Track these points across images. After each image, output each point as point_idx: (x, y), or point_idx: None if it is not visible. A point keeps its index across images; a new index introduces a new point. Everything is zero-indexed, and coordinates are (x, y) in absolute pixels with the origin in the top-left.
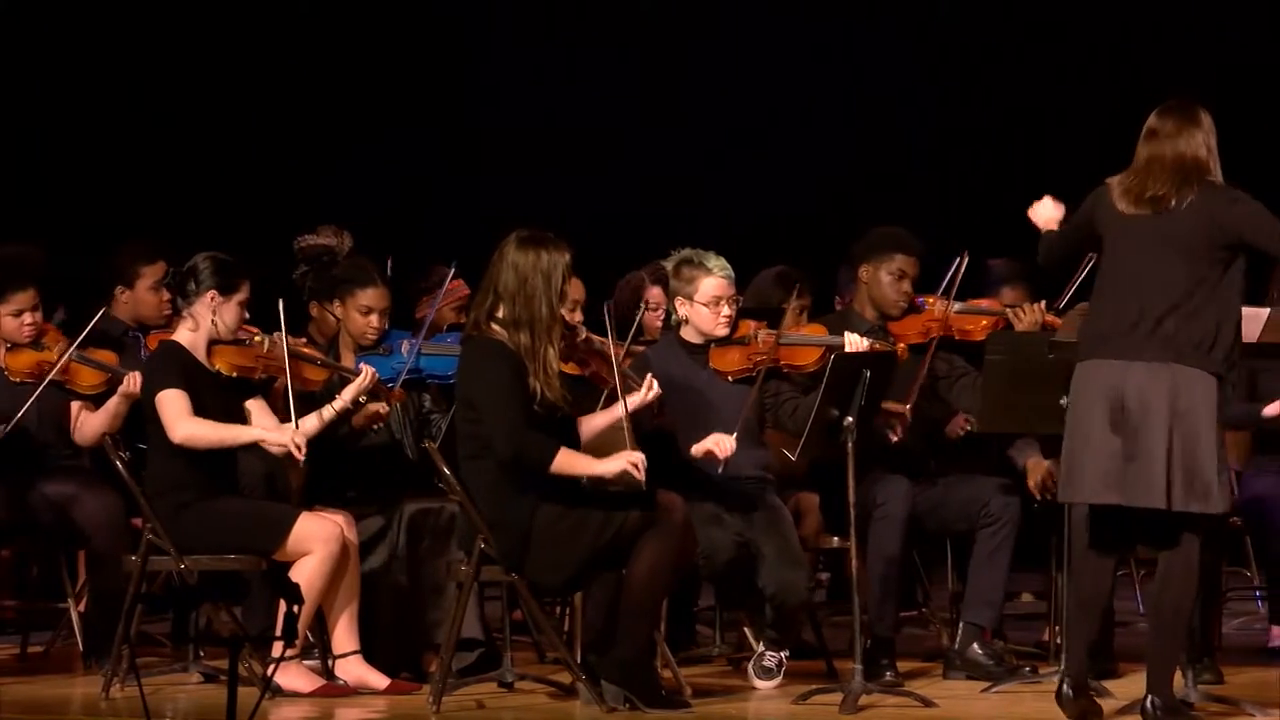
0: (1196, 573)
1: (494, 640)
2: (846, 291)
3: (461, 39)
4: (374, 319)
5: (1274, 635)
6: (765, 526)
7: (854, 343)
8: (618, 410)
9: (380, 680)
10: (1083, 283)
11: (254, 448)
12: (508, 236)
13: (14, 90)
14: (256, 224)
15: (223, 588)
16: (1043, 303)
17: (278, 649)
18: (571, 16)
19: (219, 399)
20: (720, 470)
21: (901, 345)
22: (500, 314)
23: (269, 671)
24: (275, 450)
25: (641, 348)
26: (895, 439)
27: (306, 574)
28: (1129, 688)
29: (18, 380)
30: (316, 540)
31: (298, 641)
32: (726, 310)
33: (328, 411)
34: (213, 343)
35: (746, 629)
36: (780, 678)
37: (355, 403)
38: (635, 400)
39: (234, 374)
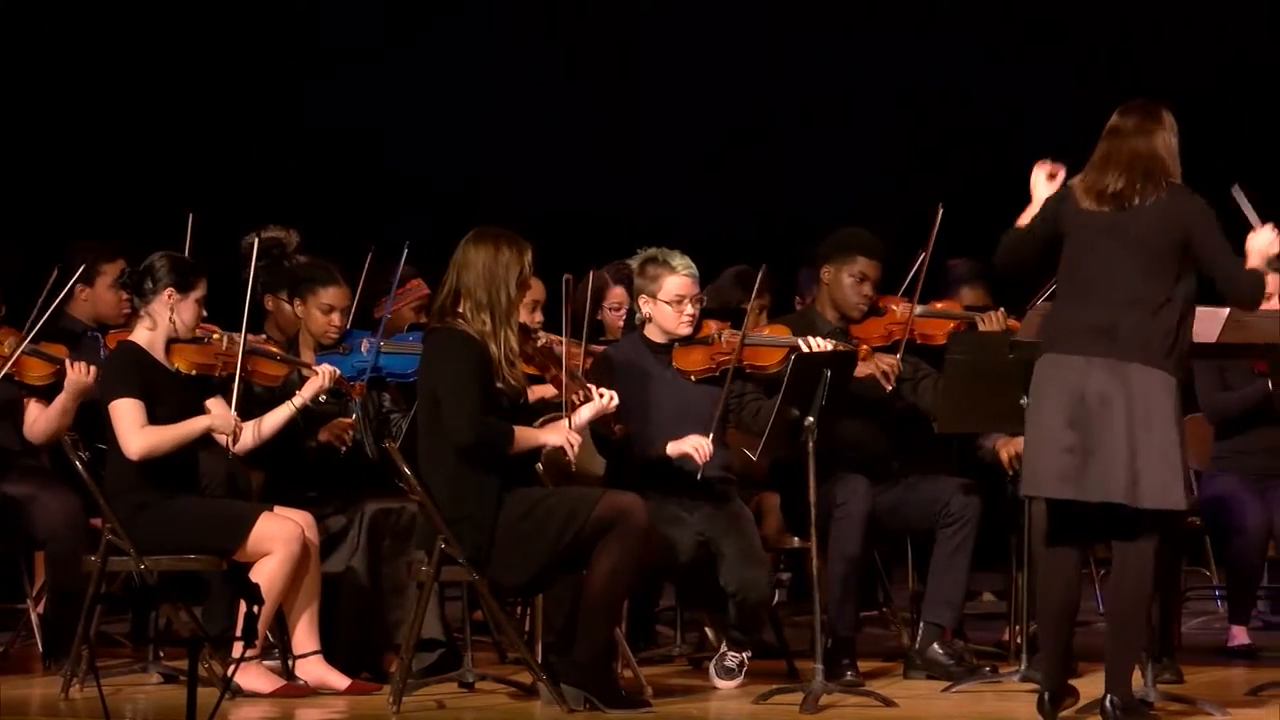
0: (1153, 571)
1: (455, 640)
2: (808, 292)
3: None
4: (335, 318)
5: (1233, 635)
6: (726, 526)
7: (815, 344)
8: (580, 415)
9: (341, 680)
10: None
11: (215, 446)
12: (467, 233)
13: None
14: (214, 222)
15: (182, 588)
16: (1002, 310)
17: (238, 649)
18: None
19: (179, 398)
20: (699, 475)
21: (865, 347)
22: (461, 308)
23: (229, 672)
24: (223, 439)
25: (601, 347)
26: (889, 388)
27: (267, 574)
28: (1088, 687)
29: None
30: (277, 540)
31: (258, 642)
32: (690, 309)
33: (287, 409)
34: (171, 341)
35: (707, 629)
36: (741, 678)
37: (315, 401)
38: (591, 410)
39: (193, 372)
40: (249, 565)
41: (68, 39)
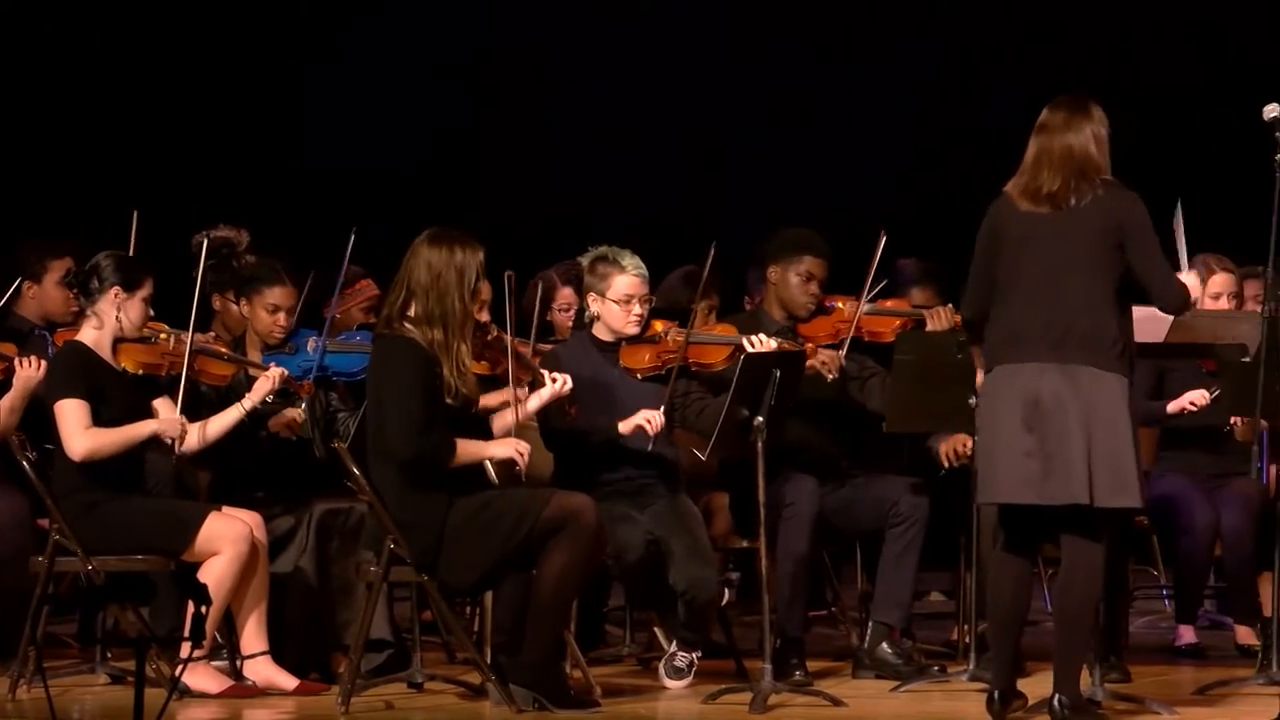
0: (1101, 570)
1: (403, 641)
2: (756, 292)
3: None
4: (281, 317)
5: (1180, 634)
6: (675, 524)
7: (761, 342)
8: (528, 406)
9: (289, 681)
10: None
11: (162, 446)
12: (419, 235)
13: None
14: (163, 220)
15: (130, 588)
16: (950, 306)
17: (185, 650)
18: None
19: (127, 398)
20: (650, 446)
21: (810, 345)
22: (412, 311)
23: (176, 672)
24: (169, 439)
25: (550, 345)
26: (830, 378)
27: (215, 574)
28: (1037, 686)
29: None
30: (225, 540)
31: (205, 642)
32: (638, 309)
33: (236, 411)
34: (118, 341)
35: (656, 629)
36: (690, 677)
37: (264, 402)
38: (547, 394)
39: (140, 371)
40: (197, 565)
41: (8, 40)
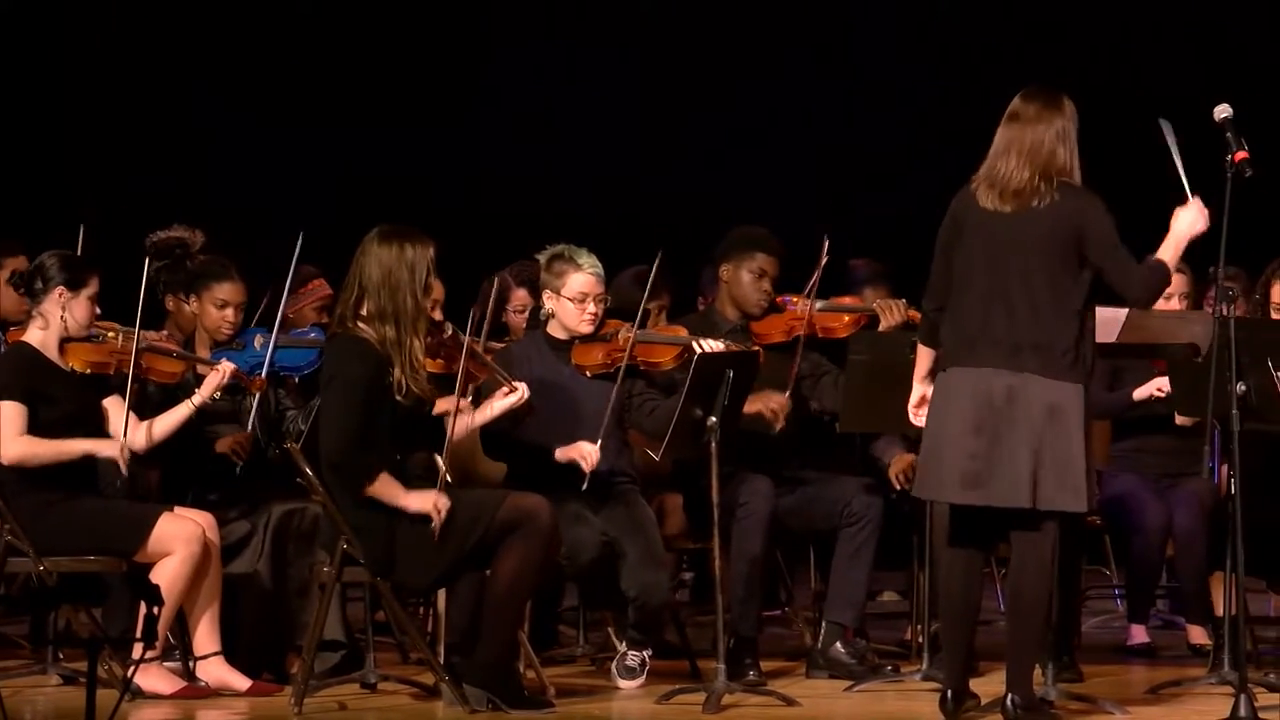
0: (1051, 569)
1: (357, 641)
2: (709, 291)
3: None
4: (229, 313)
5: (1133, 633)
6: (628, 527)
7: (708, 346)
8: (488, 412)
9: (242, 682)
10: None
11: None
12: (369, 232)
13: None
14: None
15: (82, 589)
16: (904, 300)
17: (138, 651)
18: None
19: (74, 398)
20: (584, 485)
21: (762, 403)
22: (365, 310)
23: (128, 673)
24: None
25: (502, 344)
26: (779, 427)
27: (167, 575)
28: (989, 685)
29: None
30: (178, 541)
31: (158, 643)
32: (592, 308)
33: (185, 408)
34: (65, 340)
35: (610, 629)
36: (643, 677)
37: (213, 399)
38: (504, 405)
39: (88, 371)
40: (149, 566)
41: None
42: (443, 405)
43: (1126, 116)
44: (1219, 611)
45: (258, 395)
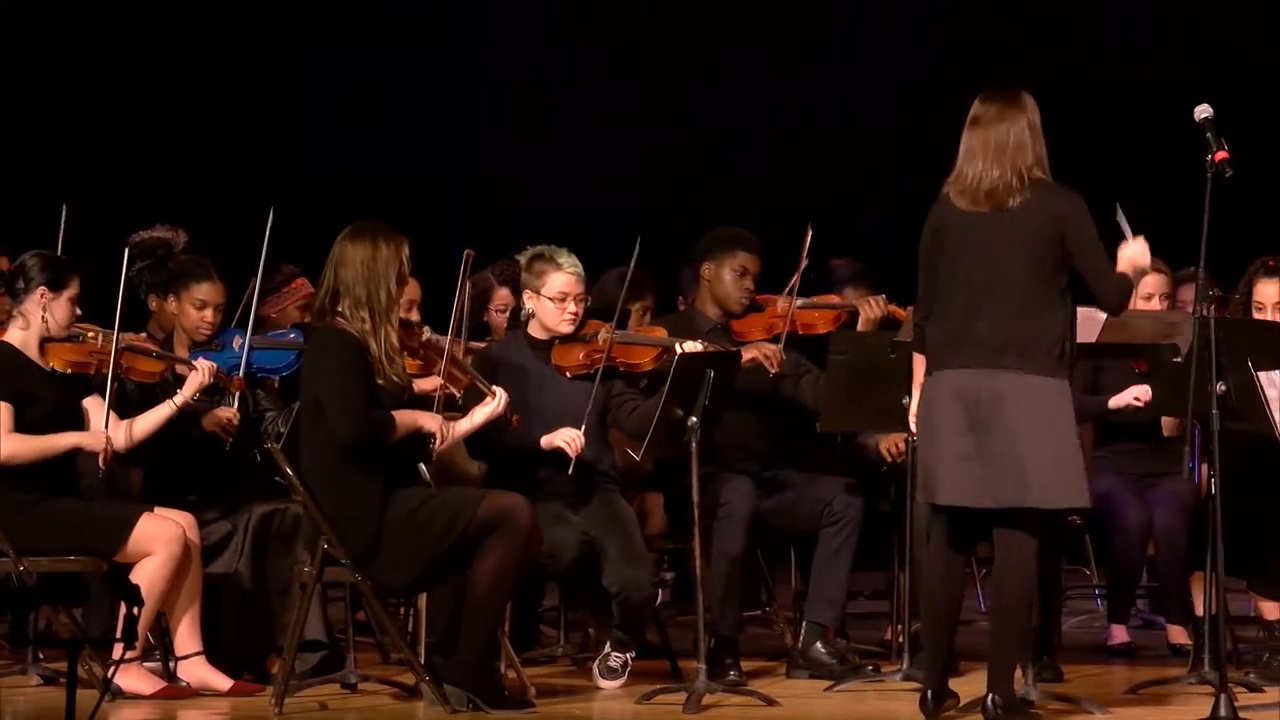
0: (1034, 570)
1: (337, 641)
2: (689, 291)
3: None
4: (208, 313)
5: (1113, 633)
6: (609, 525)
7: (688, 347)
8: (472, 421)
9: (223, 682)
10: None
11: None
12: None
13: None
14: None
15: (62, 589)
16: (884, 296)
17: (118, 651)
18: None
19: (55, 398)
20: (570, 469)
21: (750, 352)
22: (341, 306)
23: (109, 673)
24: (90, 451)
25: (484, 344)
26: (774, 371)
27: (148, 575)
28: (970, 685)
29: None
30: (158, 541)
31: (138, 643)
32: (572, 308)
33: (167, 408)
34: (45, 340)
35: (591, 629)
36: (625, 678)
37: (194, 399)
38: (484, 415)
39: (69, 371)
40: (129, 566)
41: None
42: (422, 385)
43: (1126, 116)
44: (1199, 611)
45: (237, 396)
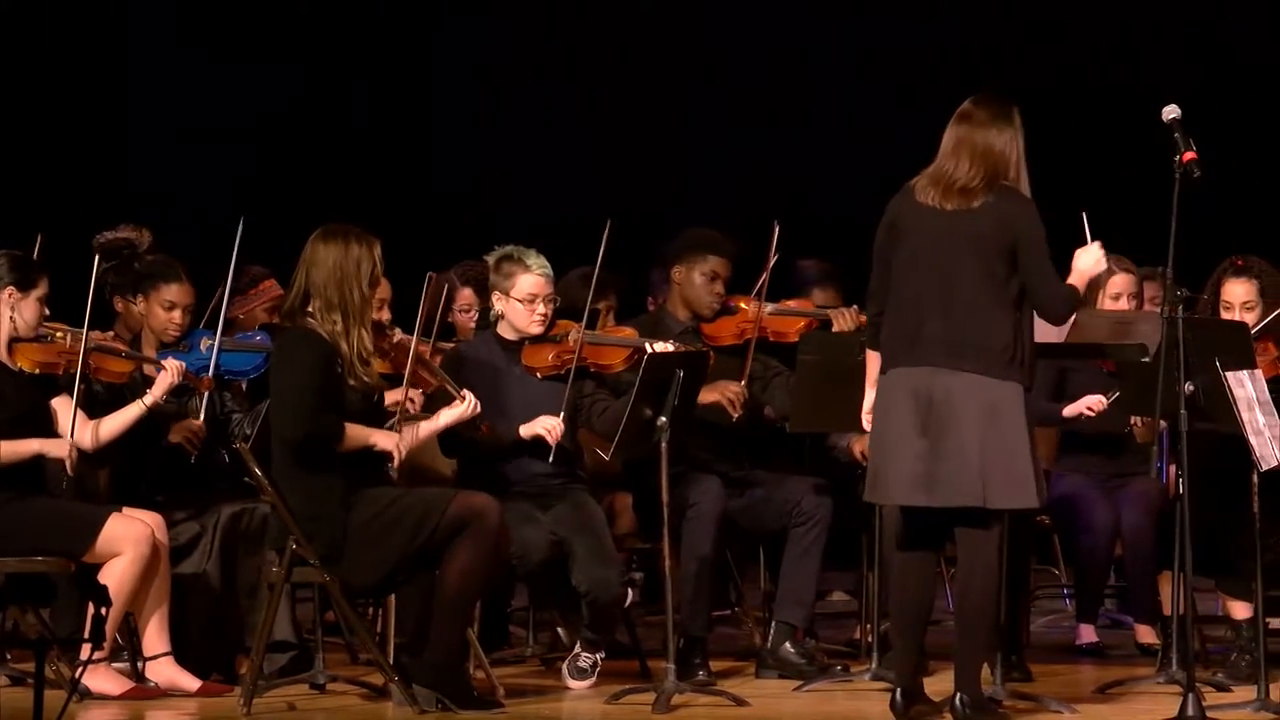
0: (998, 568)
1: (306, 642)
2: (659, 293)
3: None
4: (176, 315)
5: (1081, 633)
6: (577, 525)
7: (659, 348)
8: (437, 423)
9: (191, 682)
10: None
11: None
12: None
13: None
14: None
15: (30, 590)
16: (855, 307)
17: (85, 651)
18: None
19: (23, 398)
20: (550, 457)
21: (722, 392)
22: (312, 307)
23: (76, 674)
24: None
25: (452, 345)
26: (735, 415)
27: (116, 576)
28: (941, 685)
29: None
30: (126, 541)
31: (106, 644)
32: (542, 309)
33: (136, 408)
34: (14, 340)
35: (560, 629)
36: (594, 678)
37: (163, 398)
38: (453, 416)
39: (37, 371)
40: (98, 567)
41: None
42: (392, 396)
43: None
44: (1167, 611)
45: (205, 396)
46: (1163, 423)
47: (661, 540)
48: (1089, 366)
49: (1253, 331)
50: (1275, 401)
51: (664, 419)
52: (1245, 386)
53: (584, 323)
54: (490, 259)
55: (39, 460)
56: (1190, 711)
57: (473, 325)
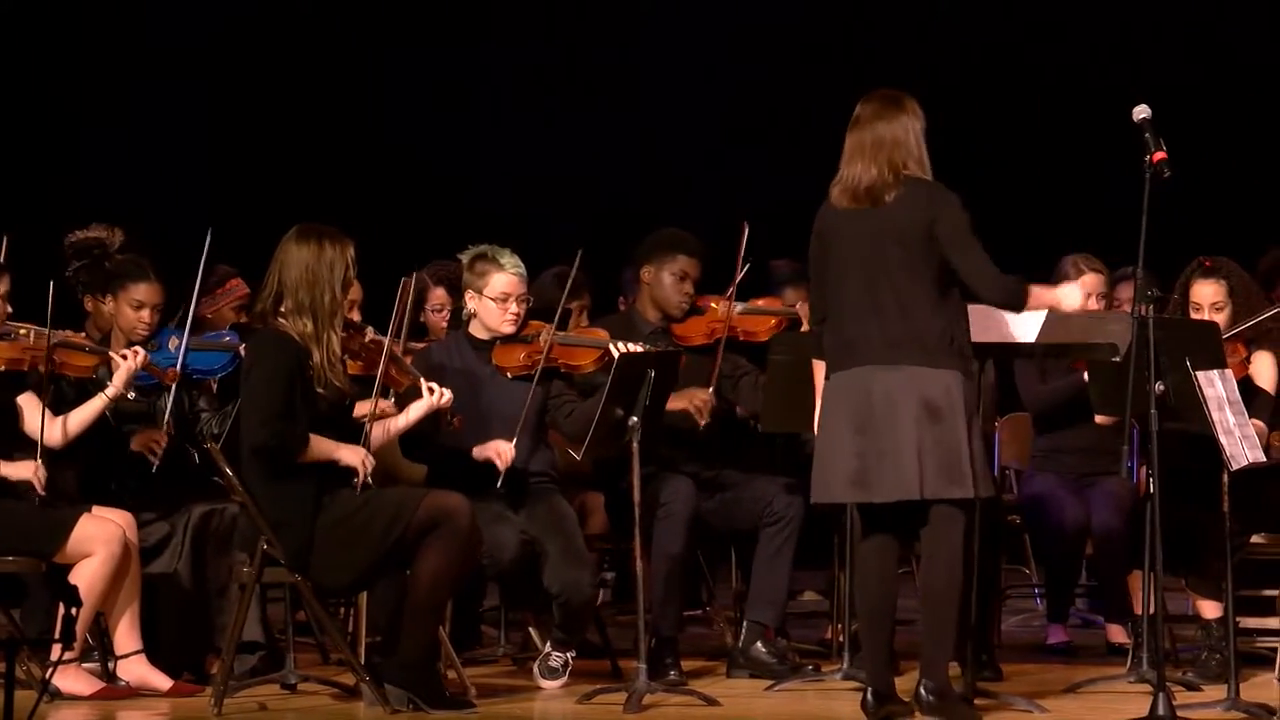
0: (960, 560)
1: (277, 642)
2: (630, 292)
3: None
4: (145, 314)
5: (1052, 632)
6: (549, 525)
7: (630, 348)
8: (409, 417)
9: (163, 680)
10: None
11: (30, 446)
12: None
13: None
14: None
15: (0, 590)
16: None
17: (56, 652)
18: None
19: None
20: (499, 484)
21: (690, 401)
22: (284, 307)
23: (47, 674)
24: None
25: (423, 345)
26: (704, 423)
27: (87, 576)
28: (911, 685)
29: None
30: (97, 542)
31: (76, 644)
32: (514, 308)
33: (100, 400)
34: None
35: (531, 629)
36: (565, 677)
37: (128, 392)
38: (423, 406)
39: (3, 368)
40: (68, 567)
41: None
42: (362, 408)
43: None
44: (1138, 610)
45: (172, 393)
46: (1133, 422)
47: (633, 540)
48: (1061, 365)
49: (1227, 335)
50: (1245, 402)
51: (635, 419)
52: (1216, 386)
53: (555, 323)
54: (464, 258)
55: (7, 459)
56: (1161, 710)
57: (445, 325)
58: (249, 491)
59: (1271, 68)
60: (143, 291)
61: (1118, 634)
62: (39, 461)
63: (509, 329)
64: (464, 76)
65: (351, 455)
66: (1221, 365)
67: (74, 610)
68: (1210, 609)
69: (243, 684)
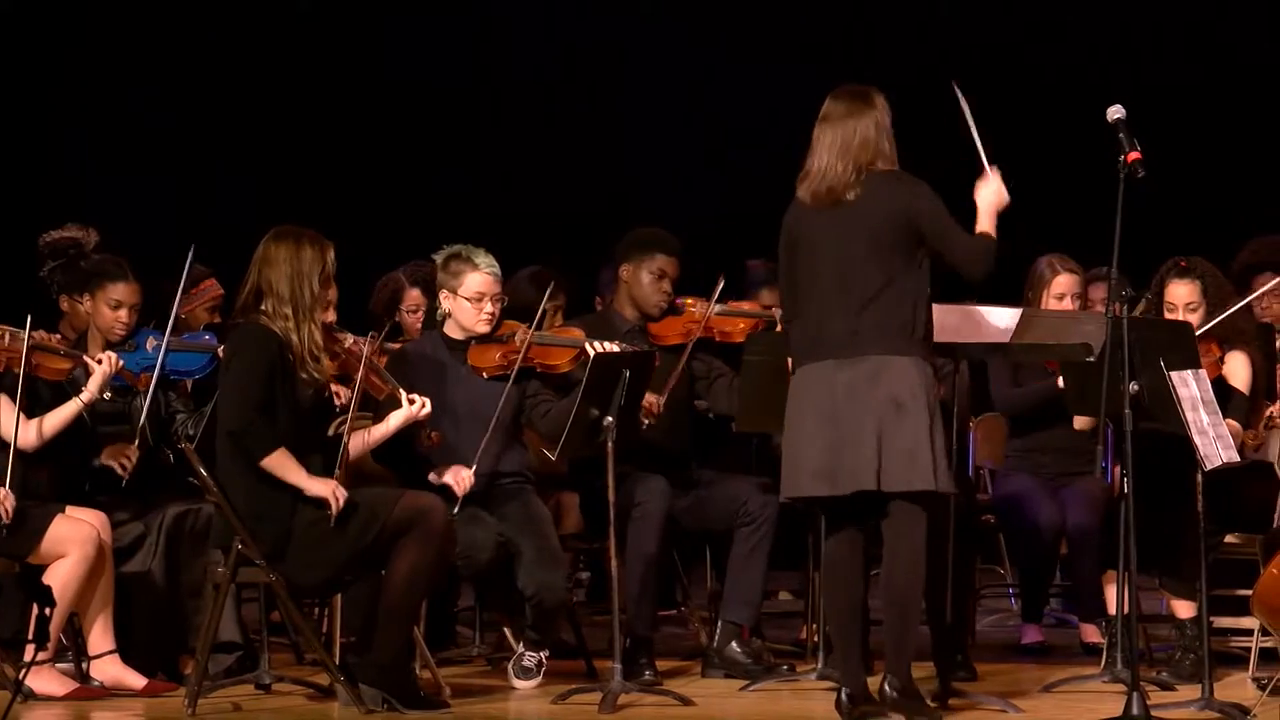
0: (922, 556)
1: (251, 642)
2: (607, 291)
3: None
4: (123, 314)
5: (1026, 632)
6: (524, 526)
7: (604, 348)
8: (390, 422)
9: (137, 680)
10: None
11: (3, 446)
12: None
13: None
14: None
15: None
16: None
17: (30, 652)
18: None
19: None
20: (455, 510)
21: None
22: (264, 305)
23: (20, 675)
24: None
25: (398, 345)
26: (646, 423)
27: (62, 576)
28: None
29: None
30: (72, 542)
31: (50, 645)
32: (489, 308)
33: (74, 404)
34: None
35: (506, 629)
36: (540, 678)
37: (102, 395)
38: (402, 417)
39: None
40: (42, 568)
41: None
42: (338, 424)
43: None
44: (1112, 610)
45: (148, 396)
46: (1108, 422)
47: (608, 540)
48: (1035, 365)
49: (1200, 333)
50: (1219, 402)
51: (610, 419)
52: (1190, 386)
53: (534, 324)
54: (438, 258)
55: None
56: (1135, 710)
57: (419, 326)
58: (227, 484)
59: (1271, 68)
60: (121, 291)
61: (1092, 634)
62: (6, 489)
63: (484, 329)
64: (443, 73)
65: (322, 488)
66: (1195, 365)
67: (48, 611)
68: (1184, 609)
69: (217, 684)
